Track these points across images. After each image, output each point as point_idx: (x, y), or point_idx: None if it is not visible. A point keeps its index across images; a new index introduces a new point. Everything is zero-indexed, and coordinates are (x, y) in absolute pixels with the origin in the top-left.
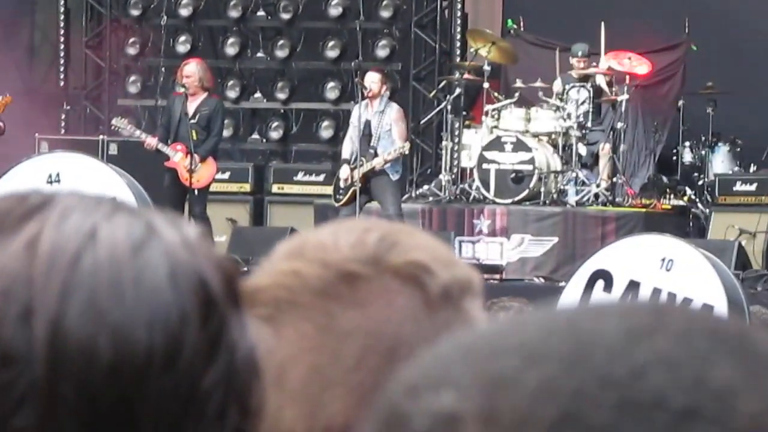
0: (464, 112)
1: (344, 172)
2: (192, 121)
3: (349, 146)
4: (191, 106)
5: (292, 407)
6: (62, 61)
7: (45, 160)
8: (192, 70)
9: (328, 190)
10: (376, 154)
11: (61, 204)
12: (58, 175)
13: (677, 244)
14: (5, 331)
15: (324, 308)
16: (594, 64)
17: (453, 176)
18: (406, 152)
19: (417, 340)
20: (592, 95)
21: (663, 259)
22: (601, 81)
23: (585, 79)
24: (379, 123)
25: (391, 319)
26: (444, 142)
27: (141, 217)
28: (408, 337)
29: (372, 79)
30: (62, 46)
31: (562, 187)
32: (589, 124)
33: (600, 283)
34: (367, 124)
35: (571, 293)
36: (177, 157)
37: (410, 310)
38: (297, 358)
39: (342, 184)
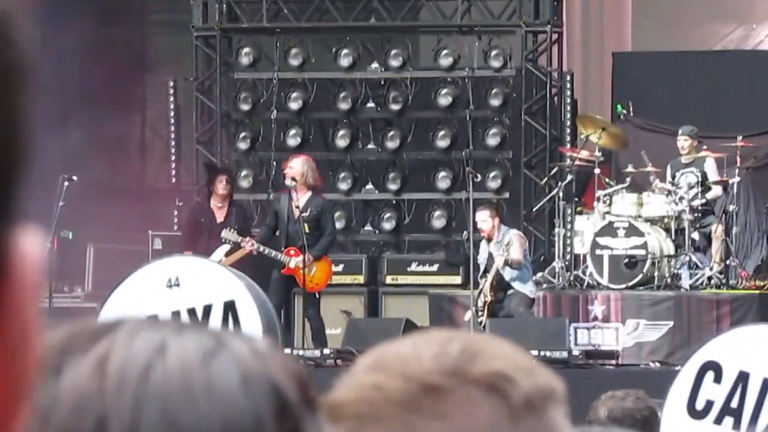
0: (576, 199)
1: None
2: (304, 214)
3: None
4: (299, 201)
5: None
6: (173, 158)
7: (164, 265)
8: (297, 165)
9: (442, 279)
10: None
11: (129, 324)
12: (177, 279)
13: None
14: None
15: (407, 421)
16: (705, 147)
17: (566, 263)
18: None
19: None
20: (700, 179)
21: None
22: (709, 166)
23: (692, 163)
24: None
25: (474, 431)
26: (556, 229)
27: (209, 332)
28: None
29: (482, 218)
30: (173, 143)
31: (675, 271)
32: (699, 204)
33: (710, 375)
34: (490, 256)
35: (683, 384)
36: (293, 263)
37: (493, 421)
38: None
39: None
